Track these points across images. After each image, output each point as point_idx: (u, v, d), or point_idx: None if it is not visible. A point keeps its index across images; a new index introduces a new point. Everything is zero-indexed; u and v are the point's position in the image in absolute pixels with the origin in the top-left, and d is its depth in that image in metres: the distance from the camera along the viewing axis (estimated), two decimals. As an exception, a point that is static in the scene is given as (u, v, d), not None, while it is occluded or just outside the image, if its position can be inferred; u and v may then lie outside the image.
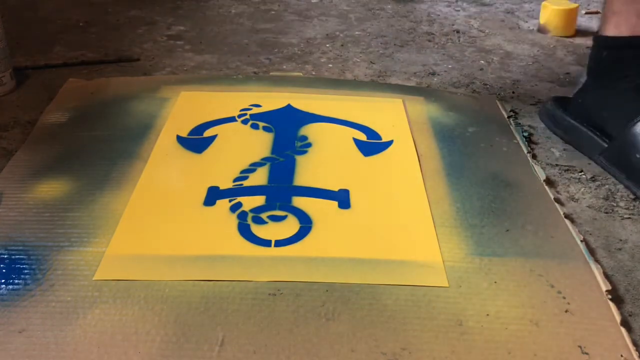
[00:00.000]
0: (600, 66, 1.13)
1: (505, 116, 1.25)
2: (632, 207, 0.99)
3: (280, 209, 0.93)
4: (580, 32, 1.74)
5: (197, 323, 0.73)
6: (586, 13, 1.89)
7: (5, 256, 0.83)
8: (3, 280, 0.78)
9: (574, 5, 1.71)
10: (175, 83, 1.33)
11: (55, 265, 0.81)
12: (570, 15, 1.70)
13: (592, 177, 1.07)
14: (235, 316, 0.74)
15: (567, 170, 1.09)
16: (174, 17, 1.77)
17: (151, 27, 1.69)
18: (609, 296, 0.79)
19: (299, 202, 0.95)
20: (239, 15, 1.81)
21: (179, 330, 0.72)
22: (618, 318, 0.76)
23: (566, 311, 0.76)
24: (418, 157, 1.08)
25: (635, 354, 0.71)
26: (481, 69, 1.50)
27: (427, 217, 0.92)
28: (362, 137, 1.14)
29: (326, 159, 1.07)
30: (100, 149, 1.08)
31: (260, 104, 1.24)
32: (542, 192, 1.00)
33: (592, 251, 0.88)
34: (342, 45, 1.61)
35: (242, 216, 0.92)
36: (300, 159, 1.06)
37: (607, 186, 1.04)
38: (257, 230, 0.89)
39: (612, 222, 0.95)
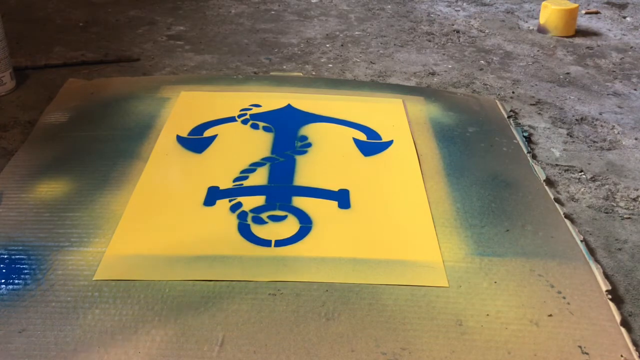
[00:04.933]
0: None
1: (505, 116, 1.25)
2: (632, 207, 0.99)
3: (280, 209, 0.93)
4: (580, 32, 1.74)
5: (197, 323, 0.73)
6: (586, 13, 1.89)
7: (6, 256, 0.83)
8: (3, 280, 0.78)
9: (574, 5, 1.71)
10: (175, 83, 1.33)
11: (55, 265, 0.81)
12: (570, 15, 1.70)
13: (592, 177, 1.07)
14: (235, 316, 0.74)
15: (567, 170, 1.09)
16: (174, 17, 1.77)
17: (151, 27, 1.69)
18: (609, 296, 0.79)
19: (299, 202, 0.95)
20: (239, 15, 1.82)
21: (179, 330, 0.72)
22: (618, 318, 0.76)
23: (566, 311, 0.76)
24: (418, 157, 1.08)
25: (635, 354, 0.71)
26: (481, 69, 1.50)
27: (427, 217, 0.92)
28: (362, 137, 1.14)
29: (326, 159, 1.07)
30: (100, 149, 1.08)
31: (260, 104, 1.24)
32: (542, 192, 1.00)
33: (592, 251, 0.88)
34: (342, 45, 1.61)
35: (242, 216, 0.92)
36: (300, 159, 1.06)
37: (607, 186, 1.04)
38: (257, 230, 0.89)
39: (612, 222, 0.95)
